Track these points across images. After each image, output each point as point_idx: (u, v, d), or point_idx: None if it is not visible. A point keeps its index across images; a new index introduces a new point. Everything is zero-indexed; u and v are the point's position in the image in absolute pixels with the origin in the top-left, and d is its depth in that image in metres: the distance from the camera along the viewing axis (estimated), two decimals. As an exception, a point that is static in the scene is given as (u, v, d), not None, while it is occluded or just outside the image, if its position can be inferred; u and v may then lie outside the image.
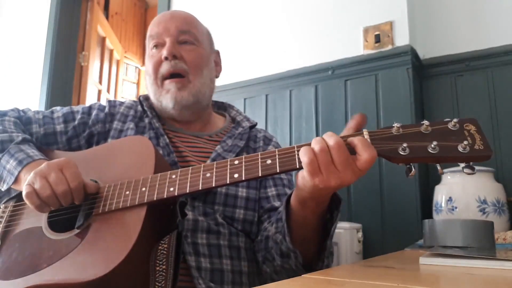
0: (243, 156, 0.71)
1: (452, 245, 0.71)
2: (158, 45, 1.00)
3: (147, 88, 1.04)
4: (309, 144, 0.66)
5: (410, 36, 1.43)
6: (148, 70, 1.01)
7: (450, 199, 1.14)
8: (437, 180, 1.24)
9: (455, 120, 0.63)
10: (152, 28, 1.02)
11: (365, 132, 0.66)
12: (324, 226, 0.79)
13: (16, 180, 0.85)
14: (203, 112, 1.05)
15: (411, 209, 1.30)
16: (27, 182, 0.77)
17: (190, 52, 0.99)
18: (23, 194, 0.77)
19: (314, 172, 0.63)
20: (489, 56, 1.40)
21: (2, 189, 0.89)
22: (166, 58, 0.97)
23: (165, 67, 0.97)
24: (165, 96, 0.98)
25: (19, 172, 0.84)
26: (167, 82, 0.98)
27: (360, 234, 1.32)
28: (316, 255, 0.81)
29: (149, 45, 1.02)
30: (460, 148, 0.60)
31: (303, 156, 0.64)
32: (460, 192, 1.13)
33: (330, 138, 0.64)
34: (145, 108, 1.03)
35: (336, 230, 1.27)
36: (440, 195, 1.18)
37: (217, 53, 1.12)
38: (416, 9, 1.54)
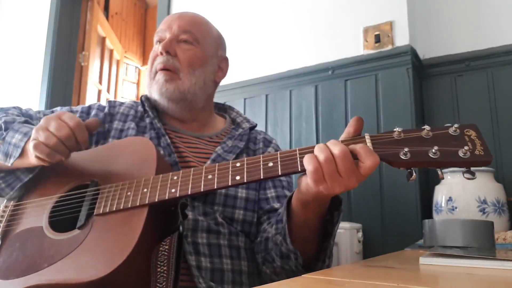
0: (245, 159, 0.71)
1: (452, 245, 0.71)
2: (160, 41, 1.03)
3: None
4: (312, 150, 0.66)
5: (410, 36, 1.43)
6: (148, 64, 1.03)
7: (450, 199, 1.14)
8: (437, 180, 1.24)
9: (456, 125, 0.64)
10: (160, 26, 1.05)
11: (366, 136, 0.66)
12: (324, 227, 0.80)
13: (23, 152, 0.84)
14: (200, 112, 1.05)
15: (411, 209, 1.30)
16: (31, 138, 0.79)
17: (185, 51, 1.00)
18: (31, 146, 0.78)
19: (319, 180, 0.64)
20: (489, 56, 1.40)
21: (9, 164, 0.87)
22: (161, 53, 0.99)
23: (158, 61, 1.00)
24: (154, 87, 1.00)
25: (25, 143, 0.84)
26: (158, 73, 1.00)
27: (360, 234, 1.32)
28: (316, 255, 0.81)
29: (155, 40, 1.05)
30: (460, 153, 0.61)
31: (308, 164, 0.64)
32: (460, 192, 1.13)
33: (335, 147, 0.64)
34: (147, 108, 1.03)
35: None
36: (440, 195, 1.18)
37: (224, 59, 1.11)
38: (416, 9, 1.54)
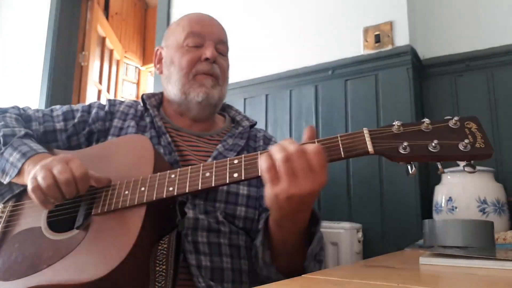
0: (242, 156, 0.71)
1: (452, 245, 0.70)
2: (198, 44, 1.02)
3: (170, 78, 1.03)
4: (312, 142, 0.66)
5: (410, 36, 1.43)
6: (181, 63, 1.01)
7: (450, 199, 1.14)
8: (437, 180, 1.24)
9: (456, 118, 0.62)
10: (194, 25, 1.04)
11: (365, 130, 0.66)
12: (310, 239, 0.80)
13: (19, 172, 0.85)
14: (214, 114, 1.09)
15: (411, 209, 1.29)
16: (31, 175, 0.77)
17: (223, 61, 1.05)
18: (29, 187, 0.76)
19: (274, 180, 0.63)
20: (489, 56, 1.40)
21: (4, 182, 0.88)
22: (207, 59, 1.00)
23: (204, 67, 1.00)
24: (197, 89, 0.99)
25: (23, 164, 0.84)
26: (202, 76, 1.00)
27: (360, 234, 1.32)
28: (305, 261, 0.81)
29: (186, 40, 1.02)
30: (461, 147, 0.59)
31: (263, 162, 0.64)
32: (460, 192, 1.12)
33: (291, 145, 0.64)
34: (148, 107, 1.03)
35: (336, 230, 1.28)
36: (440, 195, 1.18)
37: None
38: (416, 9, 1.53)
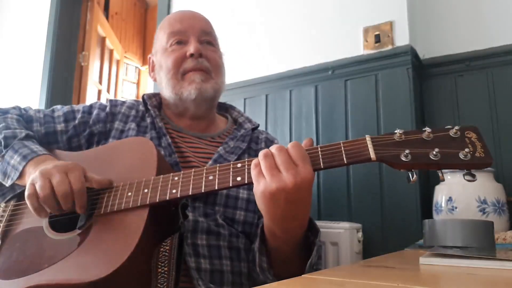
0: (246, 160, 0.72)
1: (452, 245, 0.71)
2: (181, 42, 1.01)
3: (161, 83, 1.03)
4: (313, 149, 0.69)
5: (410, 36, 1.43)
6: (168, 64, 1.00)
7: (450, 199, 1.14)
8: (437, 180, 1.24)
9: (456, 127, 0.64)
10: (174, 24, 1.03)
11: (367, 138, 0.67)
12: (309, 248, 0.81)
13: (21, 175, 0.85)
14: (212, 110, 1.08)
15: (411, 209, 1.30)
16: (29, 181, 0.77)
17: (212, 52, 1.03)
18: (26, 193, 0.76)
19: (259, 175, 0.66)
20: (489, 56, 1.40)
21: (7, 185, 0.88)
22: (191, 55, 0.98)
23: (190, 64, 0.99)
24: (188, 87, 0.98)
25: (24, 167, 0.84)
26: (190, 73, 0.99)
27: (360, 234, 1.32)
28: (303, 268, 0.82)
29: (169, 41, 1.02)
30: (461, 156, 0.61)
31: (252, 164, 0.68)
32: (460, 192, 1.13)
33: (273, 147, 0.68)
34: (149, 107, 1.03)
35: (336, 230, 1.28)
36: (440, 195, 1.18)
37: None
38: (416, 9, 1.54)
